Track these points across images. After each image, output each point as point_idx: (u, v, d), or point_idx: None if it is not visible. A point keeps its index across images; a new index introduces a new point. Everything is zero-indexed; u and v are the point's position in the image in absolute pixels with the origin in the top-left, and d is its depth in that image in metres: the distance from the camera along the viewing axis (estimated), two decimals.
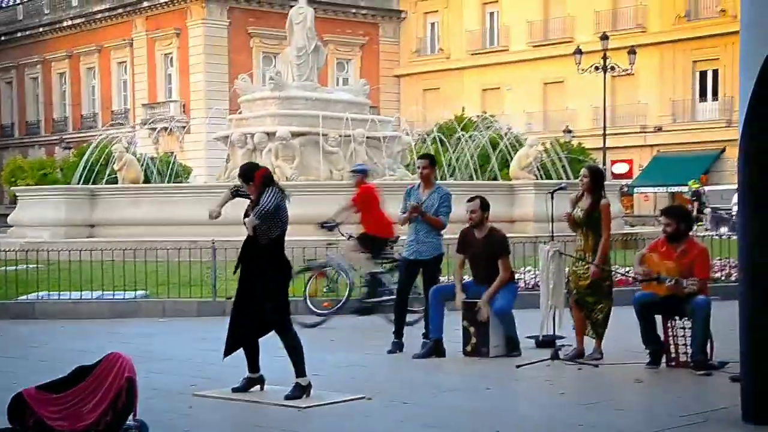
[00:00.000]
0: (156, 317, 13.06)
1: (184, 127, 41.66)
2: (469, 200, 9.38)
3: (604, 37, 36.37)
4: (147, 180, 25.33)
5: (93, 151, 25.97)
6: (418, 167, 9.74)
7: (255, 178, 7.53)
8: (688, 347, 8.24)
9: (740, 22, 6.62)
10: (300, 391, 7.33)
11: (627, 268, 14.06)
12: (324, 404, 7.17)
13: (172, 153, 36.62)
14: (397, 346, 9.53)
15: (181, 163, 34.34)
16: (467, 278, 9.62)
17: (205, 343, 10.80)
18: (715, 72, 40.31)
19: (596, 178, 8.84)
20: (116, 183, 24.02)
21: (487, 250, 9.24)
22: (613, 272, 9.19)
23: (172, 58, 46.08)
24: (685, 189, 39.26)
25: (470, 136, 25.48)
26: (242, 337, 7.59)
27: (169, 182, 26.44)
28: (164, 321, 12.87)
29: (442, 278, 10.37)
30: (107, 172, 25.57)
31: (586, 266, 8.65)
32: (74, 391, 5.94)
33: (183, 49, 45.09)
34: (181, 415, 6.94)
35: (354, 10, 48.41)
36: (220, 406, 7.27)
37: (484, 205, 9.31)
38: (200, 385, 7.91)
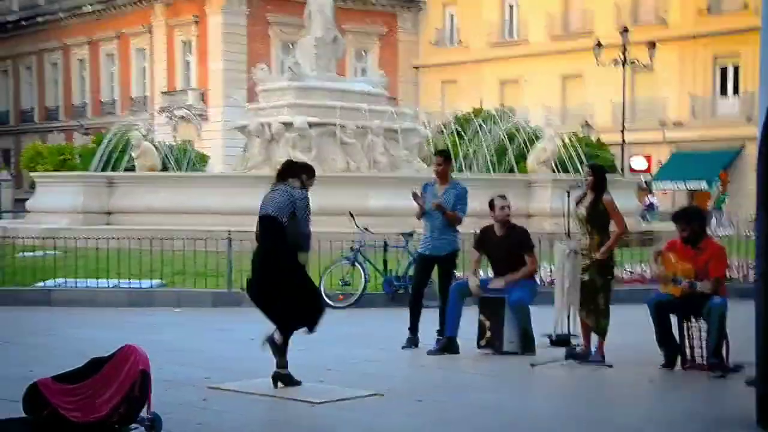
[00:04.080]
0: (171, 307, 13.10)
1: (201, 115, 41.73)
2: (499, 197, 9.44)
3: (624, 31, 36.13)
4: (164, 168, 25.39)
5: (111, 138, 26.05)
6: (434, 164, 9.74)
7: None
8: (704, 349, 8.21)
9: (761, 20, 6.54)
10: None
11: (643, 266, 14.05)
12: (336, 400, 7.17)
13: (190, 141, 36.73)
14: (412, 342, 9.53)
15: (198, 151, 34.40)
16: (482, 275, 9.61)
17: (220, 335, 10.86)
18: (736, 67, 39.99)
19: (599, 176, 8.79)
20: (134, 170, 24.08)
21: (510, 245, 9.25)
22: (616, 267, 9.13)
23: (191, 46, 46.11)
24: (705, 186, 39.06)
25: (489, 129, 25.39)
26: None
27: (185, 171, 26.46)
28: (179, 311, 12.91)
29: (457, 273, 10.38)
30: (125, 160, 25.64)
31: (589, 263, 8.59)
32: (89, 383, 5.97)
33: (202, 36, 45.11)
34: (196, 408, 6.97)
35: (373, 0, 48.32)
36: (235, 400, 7.27)
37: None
38: (215, 377, 7.93)
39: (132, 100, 48.83)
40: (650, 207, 38.44)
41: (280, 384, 7.46)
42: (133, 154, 24.21)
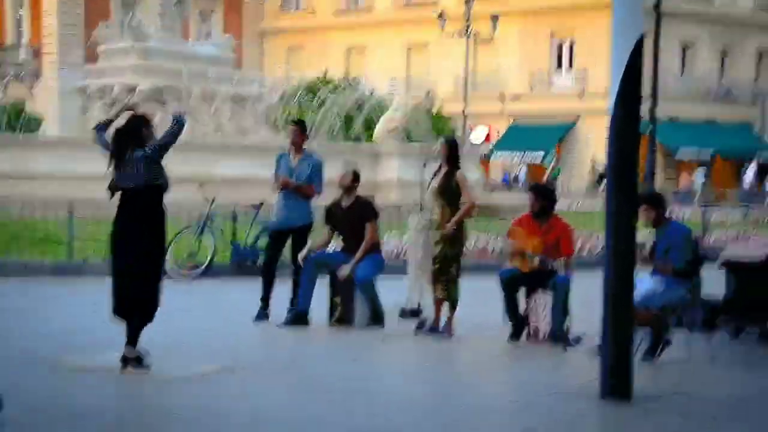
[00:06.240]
0: (7, 276, 12.48)
1: (34, 74, 39.80)
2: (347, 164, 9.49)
3: (468, 1, 36.75)
4: None
5: None
6: (289, 133, 9.65)
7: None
8: (548, 322, 8.50)
9: (613, 4, 6.75)
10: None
11: (488, 237, 14.43)
12: (191, 375, 7.03)
13: (21, 101, 34.94)
14: (264, 315, 9.46)
15: (32, 112, 32.80)
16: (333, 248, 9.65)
17: (61, 307, 10.46)
18: (572, 43, 41.42)
19: (452, 149, 8.92)
20: None
21: (355, 216, 9.28)
22: (466, 239, 9.32)
23: (22, 0, 43.88)
24: (540, 157, 40.42)
25: (336, 98, 25.36)
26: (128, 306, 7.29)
27: (20, 133, 25.20)
28: (16, 281, 12.33)
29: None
30: None
31: (440, 235, 8.74)
32: None
33: None
34: (42, 386, 6.69)
35: None
36: (83, 376, 7.02)
37: (356, 175, 9.40)
38: (60, 352, 7.63)
39: None
40: (516, 179, 39.54)
41: (129, 367, 7.17)
42: None
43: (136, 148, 7.21)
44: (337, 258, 9.37)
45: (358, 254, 9.17)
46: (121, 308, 7.24)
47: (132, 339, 7.19)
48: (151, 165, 7.21)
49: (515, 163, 41.47)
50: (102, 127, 7.51)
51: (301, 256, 9.21)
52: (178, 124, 7.31)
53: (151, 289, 7.26)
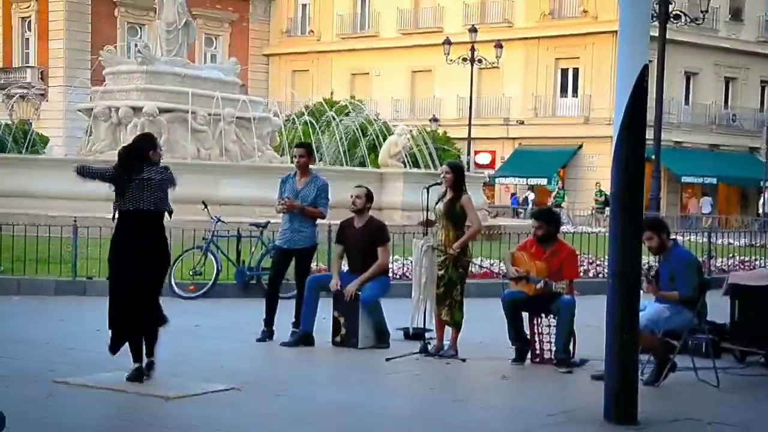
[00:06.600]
0: (10, 295, 12.50)
1: (42, 94, 39.94)
2: (357, 187, 9.52)
3: (473, 30, 36.97)
4: (2, 149, 24.19)
5: None
6: (295, 156, 9.67)
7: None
8: (552, 344, 8.47)
9: (618, 32, 6.79)
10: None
11: (491, 261, 14.41)
12: (192, 395, 7.00)
13: (28, 121, 35.12)
14: (267, 335, 9.45)
15: (38, 132, 32.95)
16: (344, 268, 9.65)
17: (64, 325, 10.45)
18: (576, 70, 41.55)
19: (457, 174, 8.90)
20: None
21: (366, 238, 9.30)
22: (471, 263, 9.34)
23: (30, 22, 44.15)
24: (544, 182, 40.46)
25: (341, 121, 25.44)
26: (129, 326, 7.34)
27: (26, 152, 25.30)
28: (19, 299, 12.34)
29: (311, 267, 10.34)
30: None
31: (444, 258, 8.72)
32: None
33: (42, 13, 43.25)
34: (41, 404, 6.65)
35: None
36: (83, 395, 6.99)
37: (369, 196, 9.43)
38: (60, 371, 7.61)
39: None
40: (525, 201, 39.47)
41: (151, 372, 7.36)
42: None
43: (141, 170, 7.23)
44: (343, 278, 9.36)
45: (366, 274, 9.17)
46: (119, 333, 7.30)
47: (149, 350, 7.38)
48: (156, 191, 7.24)
49: (523, 186, 41.47)
50: (82, 173, 7.50)
51: (332, 283, 9.23)
52: (172, 184, 7.41)
53: (155, 306, 7.31)
